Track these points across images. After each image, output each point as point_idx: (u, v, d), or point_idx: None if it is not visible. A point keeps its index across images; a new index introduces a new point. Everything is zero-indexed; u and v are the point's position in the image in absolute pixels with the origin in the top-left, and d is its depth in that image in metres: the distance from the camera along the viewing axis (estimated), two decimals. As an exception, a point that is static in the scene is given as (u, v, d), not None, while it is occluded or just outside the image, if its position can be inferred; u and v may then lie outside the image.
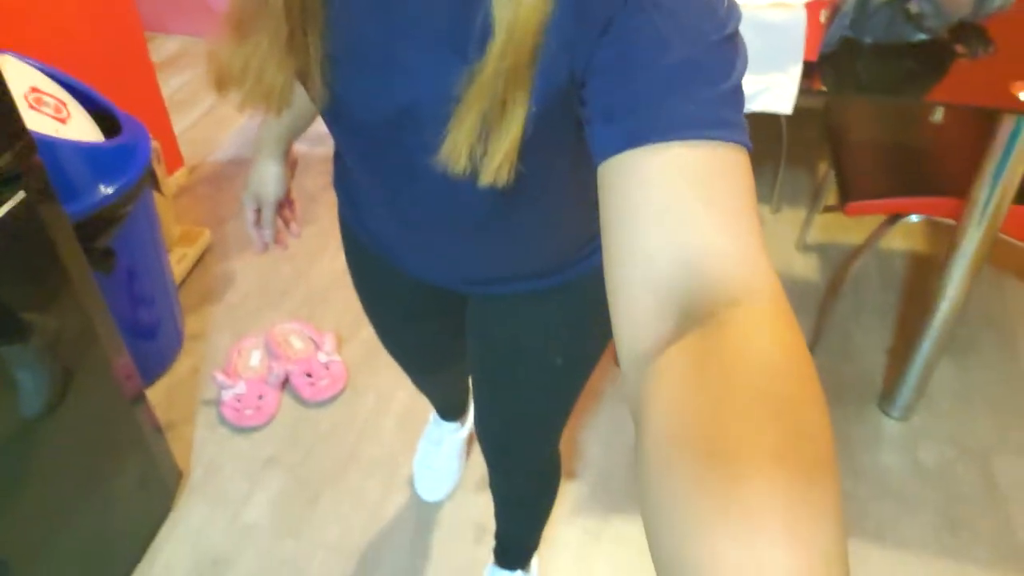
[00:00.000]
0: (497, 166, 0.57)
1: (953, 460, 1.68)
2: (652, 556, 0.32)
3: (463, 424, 1.63)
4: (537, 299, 0.91)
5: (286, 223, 1.12)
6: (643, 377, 0.38)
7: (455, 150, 0.57)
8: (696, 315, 0.39)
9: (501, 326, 0.96)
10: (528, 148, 0.58)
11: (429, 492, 1.62)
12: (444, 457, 1.61)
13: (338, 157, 0.93)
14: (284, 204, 1.10)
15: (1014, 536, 1.54)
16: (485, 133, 0.57)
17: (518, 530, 1.35)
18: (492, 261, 0.87)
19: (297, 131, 1.04)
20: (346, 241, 1.05)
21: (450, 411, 1.57)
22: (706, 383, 0.33)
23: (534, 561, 1.43)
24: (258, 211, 1.08)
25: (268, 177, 1.06)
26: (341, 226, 1.04)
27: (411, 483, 1.63)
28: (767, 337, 0.35)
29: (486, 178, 0.58)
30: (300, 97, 0.84)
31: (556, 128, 0.61)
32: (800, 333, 0.37)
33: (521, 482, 1.22)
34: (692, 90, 0.46)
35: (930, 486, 1.63)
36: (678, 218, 0.42)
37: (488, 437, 1.14)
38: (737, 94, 0.48)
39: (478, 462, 1.66)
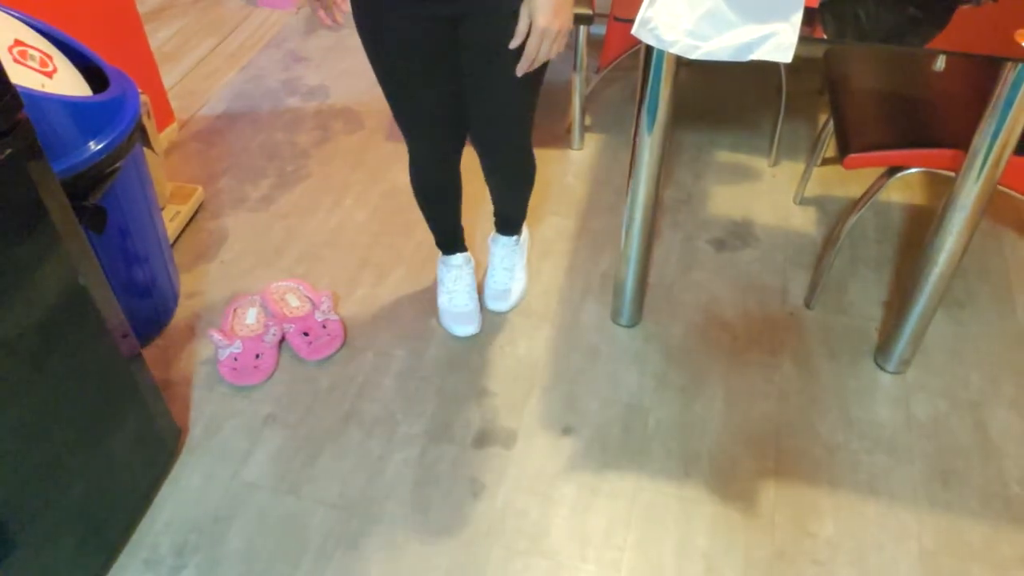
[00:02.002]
0: None
1: (947, 413, 1.69)
2: None
3: (469, 258, 1.91)
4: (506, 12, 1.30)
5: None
6: None
7: None
8: None
9: (484, 34, 1.35)
10: None
11: (462, 328, 1.85)
12: (464, 291, 1.88)
13: None
14: None
15: (1006, 488, 1.55)
16: None
17: (511, 207, 1.81)
18: None
19: None
20: (360, 17, 1.37)
21: (451, 238, 1.85)
22: None
23: (524, 230, 1.95)
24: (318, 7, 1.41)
25: None
26: (356, 14, 1.37)
27: (410, 440, 1.64)
28: None
29: None
30: None
31: None
32: None
33: (509, 172, 1.67)
34: None
35: (923, 439, 1.64)
36: None
37: (483, 138, 1.56)
38: None
39: (478, 417, 1.67)
